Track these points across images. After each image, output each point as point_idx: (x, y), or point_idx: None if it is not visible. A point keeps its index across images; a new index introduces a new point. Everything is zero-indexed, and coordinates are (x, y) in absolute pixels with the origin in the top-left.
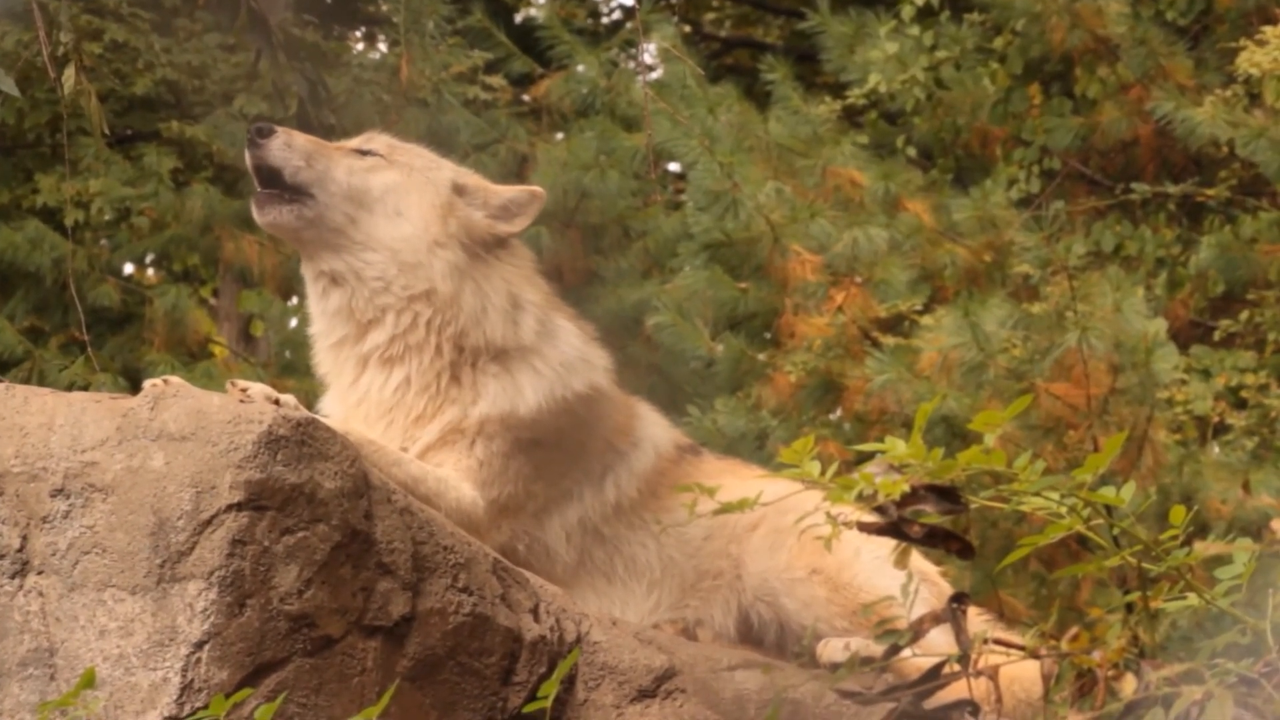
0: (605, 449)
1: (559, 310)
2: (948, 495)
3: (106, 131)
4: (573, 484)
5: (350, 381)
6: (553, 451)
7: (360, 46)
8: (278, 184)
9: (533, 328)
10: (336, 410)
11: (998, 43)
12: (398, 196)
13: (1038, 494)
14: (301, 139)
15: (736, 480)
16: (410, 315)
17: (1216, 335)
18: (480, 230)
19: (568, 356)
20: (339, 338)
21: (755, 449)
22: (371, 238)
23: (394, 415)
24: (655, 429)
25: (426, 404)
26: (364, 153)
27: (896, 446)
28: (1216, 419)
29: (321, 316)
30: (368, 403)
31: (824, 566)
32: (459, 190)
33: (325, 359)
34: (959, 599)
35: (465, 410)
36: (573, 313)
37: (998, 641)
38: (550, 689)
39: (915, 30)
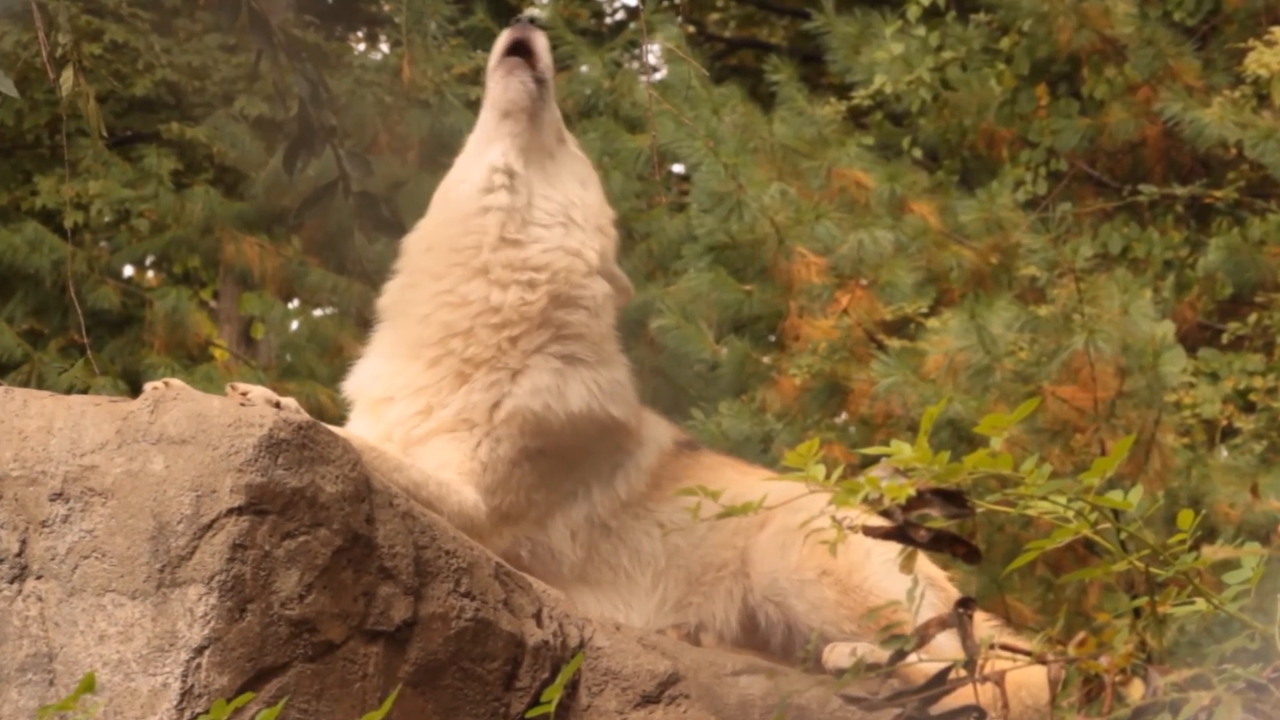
0: (613, 450)
1: (613, 339)
2: (954, 499)
3: (105, 133)
4: (576, 485)
5: (450, 286)
6: (556, 461)
7: (362, 47)
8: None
9: (609, 349)
10: (394, 328)
11: (1004, 43)
12: (586, 171)
13: (1044, 498)
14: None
15: (737, 475)
16: (548, 258)
17: (1224, 338)
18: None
19: (614, 381)
20: (473, 244)
21: (760, 452)
22: (558, 179)
23: (468, 336)
24: (657, 428)
25: (477, 352)
26: None
27: (902, 450)
28: (1224, 422)
29: (469, 214)
30: (446, 309)
31: (834, 568)
32: None
33: (434, 257)
34: (965, 604)
35: (503, 391)
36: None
37: (1004, 647)
38: (553, 694)
39: (921, 31)
